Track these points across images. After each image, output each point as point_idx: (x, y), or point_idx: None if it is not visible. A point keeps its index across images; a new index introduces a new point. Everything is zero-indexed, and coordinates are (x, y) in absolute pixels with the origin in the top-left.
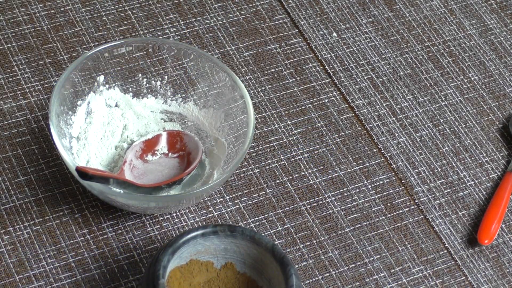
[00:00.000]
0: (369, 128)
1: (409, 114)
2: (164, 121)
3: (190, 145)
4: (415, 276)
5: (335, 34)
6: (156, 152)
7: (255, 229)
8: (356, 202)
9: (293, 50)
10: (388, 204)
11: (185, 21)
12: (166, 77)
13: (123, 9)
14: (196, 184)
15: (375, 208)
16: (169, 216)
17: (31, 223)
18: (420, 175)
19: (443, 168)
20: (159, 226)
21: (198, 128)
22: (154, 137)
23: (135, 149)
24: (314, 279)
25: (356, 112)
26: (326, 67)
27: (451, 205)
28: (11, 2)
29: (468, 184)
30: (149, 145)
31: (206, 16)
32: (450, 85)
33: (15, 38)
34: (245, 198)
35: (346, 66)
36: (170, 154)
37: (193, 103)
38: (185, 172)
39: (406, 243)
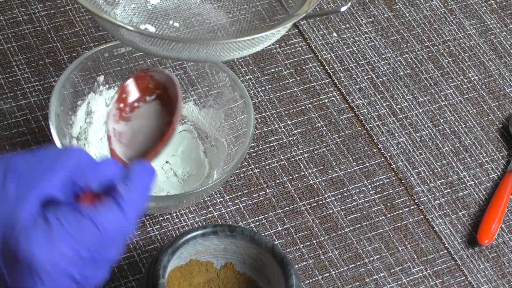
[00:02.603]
0: (369, 128)
1: (409, 114)
2: None
3: (164, 80)
4: (415, 276)
5: (335, 34)
6: (133, 105)
7: (255, 229)
8: (356, 202)
9: (293, 50)
10: (388, 204)
11: (185, 21)
12: None
13: None
14: (196, 184)
15: (375, 208)
16: (169, 216)
17: None
18: (420, 175)
19: (443, 168)
20: (159, 226)
21: (198, 128)
22: (122, 90)
23: (111, 114)
24: (314, 279)
25: (356, 112)
26: (326, 67)
27: (451, 205)
28: (11, 2)
29: (468, 184)
30: (123, 102)
31: (206, 16)
32: (450, 85)
33: (15, 38)
34: (245, 198)
35: (346, 66)
36: (147, 98)
37: (193, 103)
38: (177, 111)
39: (406, 243)
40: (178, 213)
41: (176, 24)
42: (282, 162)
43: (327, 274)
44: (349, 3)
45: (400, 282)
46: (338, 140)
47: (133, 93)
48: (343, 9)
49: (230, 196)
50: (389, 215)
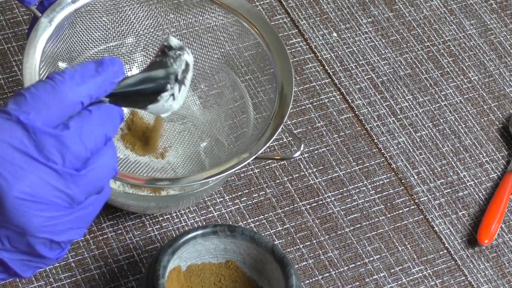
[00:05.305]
0: (369, 128)
1: (409, 114)
2: (164, 121)
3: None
4: (415, 276)
5: (335, 34)
6: None
7: (255, 229)
8: (356, 202)
9: (293, 50)
10: (388, 204)
11: (185, 21)
12: None
13: (122, 9)
14: (196, 184)
15: (375, 208)
16: (169, 216)
17: None
18: (420, 175)
19: (443, 168)
20: (159, 226)
21: (198, 128)
22: None
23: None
24: (314, 279)
25: (356, 112)
26: (326, 67)
27: (451, 205)
28: (11, 2)
29: (468, 184)
30: None
31: (206, 16)
32: (450, 85)
33: (15, 38)
34: (245, 198)
35: (346, 66)
36: None
37: (193, 103)
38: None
39: (406, 243)
40: (178, 213)
41: None
42: (282, 162)
43: (327, 274)
44: (301, 149)
45: (400, 282)
46: (338, 140)
47: None
48: (296, 155)
49: (230, 196)
50: (389, 215)
